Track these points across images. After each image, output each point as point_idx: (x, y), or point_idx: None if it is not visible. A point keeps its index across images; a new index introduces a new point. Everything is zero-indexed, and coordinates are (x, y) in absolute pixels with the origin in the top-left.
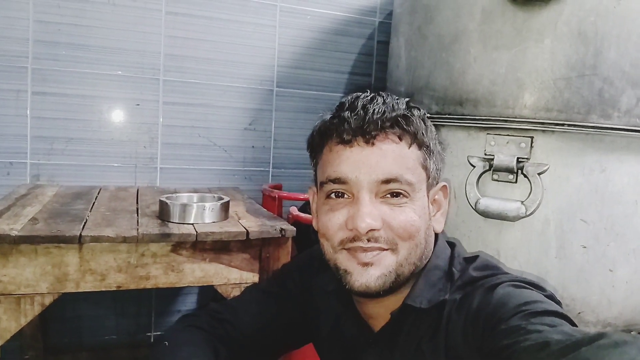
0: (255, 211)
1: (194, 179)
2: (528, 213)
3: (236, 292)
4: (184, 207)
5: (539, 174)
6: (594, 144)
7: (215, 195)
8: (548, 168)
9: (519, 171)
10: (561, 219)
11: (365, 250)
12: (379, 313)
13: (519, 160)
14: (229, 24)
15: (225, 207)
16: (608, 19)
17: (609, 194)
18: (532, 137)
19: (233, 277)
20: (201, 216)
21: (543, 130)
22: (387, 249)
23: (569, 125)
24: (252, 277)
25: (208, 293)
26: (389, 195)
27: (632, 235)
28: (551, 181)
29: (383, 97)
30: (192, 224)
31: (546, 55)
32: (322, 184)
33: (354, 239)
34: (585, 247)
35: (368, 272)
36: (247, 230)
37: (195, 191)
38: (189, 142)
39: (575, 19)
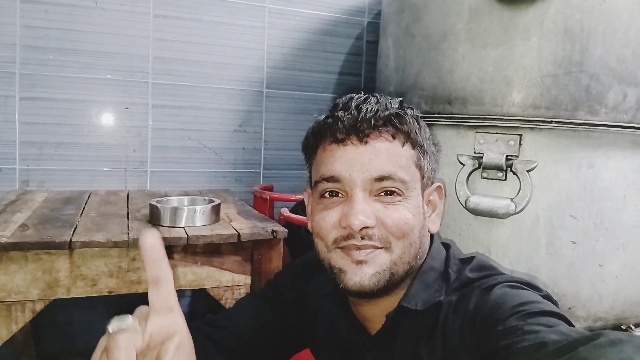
0: (247, 213)
1: (184, 181)
2: (518, 210)
3: (228, 295)
4: (175, 211)
5: (527, 171)
6: (582, 140)
7: (206, 197)
8: (537, 165)
9: (508, 169)
10: (551, 216)
11: (359, 248)
12: (375, 315)
13: (508, 157)
14: (218, 25)
15: (216, 209)
16: (594, 16)
17: (597, 190)
18: (520, 135)
19: (225, 279)
20: (192, 219)
21: (531, 128)
22: (381, 248)
23: (556, 122)
24: (244, 280)
25: (201, 296)
26: (382, 194)
27: (621, 230)
28: (540, 178)
29: (377, 97)
30: (183, 227)
31: (533, 52)
32: (316, 183)
33: (347, 237)
34: (574, 243)
35: (362, 270)
36: (239, 233)
37: (186, 194)
38: (179, 145)
39: (561, 17)
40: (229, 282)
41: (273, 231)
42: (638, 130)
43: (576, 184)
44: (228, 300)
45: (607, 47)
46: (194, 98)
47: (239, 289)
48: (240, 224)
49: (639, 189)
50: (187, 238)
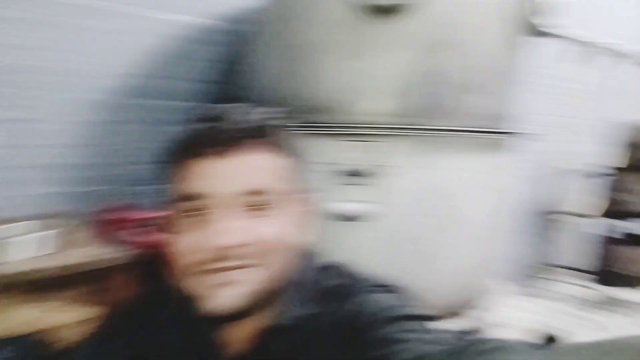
0: (86, 239)
1: (10, 206)
2: (378, 214)
3: (67, 335)
4: None
5: (388, 175)
6: (435, 145)
7: (36, 223)
8: (395, 170)
9: (369, 174)
10: (407, 216)
11: (223, 269)
12: (240, 337)
13: (370, 164)
14: (69, 29)
15: (50, 237)
16: (449, 31)
17: (442, 189)
18: (382, 142)
19: (63, 317)
20: (20, 251)
21: (393, 135)
22: (248, 266)
23: (415, 129)
24: (85, 315)
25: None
26: (250, 208)
27: (461, 226)
28: (400, 182)
29: (243, 107)
30: (6, 262)
31: (394, 64)
32: (177, 202)
33: (212, 259)
34: (427, 240)
35: (226, 292)
36: (77, 262)
37: (12, 221)
38: (3, 165)
39: (420, 31)
40: (67, 319)
41: (117, 257)
42: (482, 135)
43: (426, 184)
44: (65, 343)
45: (460, 59)
46: (31, 110)
47: (78, 327)
48: (79, 251)
49: (477, 187)
50: (11, 275)
